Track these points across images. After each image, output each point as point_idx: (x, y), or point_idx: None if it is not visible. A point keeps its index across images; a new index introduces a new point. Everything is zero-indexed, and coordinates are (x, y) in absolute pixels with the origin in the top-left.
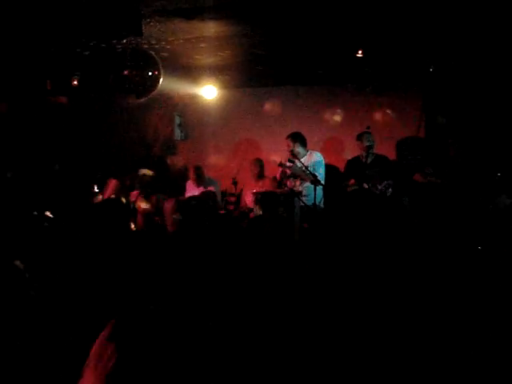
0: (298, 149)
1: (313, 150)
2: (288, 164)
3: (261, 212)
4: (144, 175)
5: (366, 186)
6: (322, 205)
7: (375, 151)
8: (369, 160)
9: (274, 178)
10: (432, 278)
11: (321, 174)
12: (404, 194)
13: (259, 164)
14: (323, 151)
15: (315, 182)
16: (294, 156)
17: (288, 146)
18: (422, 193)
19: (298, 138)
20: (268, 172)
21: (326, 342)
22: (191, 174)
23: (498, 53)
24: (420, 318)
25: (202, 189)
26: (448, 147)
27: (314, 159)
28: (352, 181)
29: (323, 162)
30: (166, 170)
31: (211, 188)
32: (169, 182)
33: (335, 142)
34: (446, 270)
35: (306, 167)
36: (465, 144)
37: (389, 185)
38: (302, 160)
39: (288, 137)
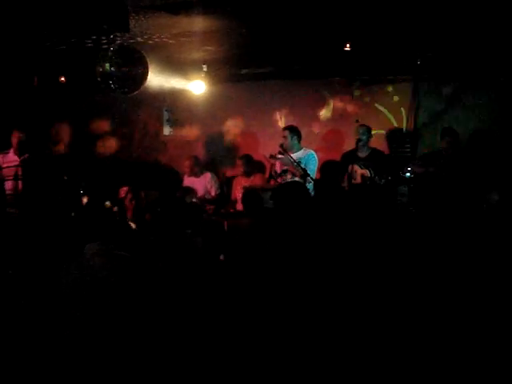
0: (294, 142)
1: (307, 147)
2: (279, 156)
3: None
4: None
5: (367, 174)
6: None
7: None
8: (363, 154)
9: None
10: (427, 270)
11: (312, 169)
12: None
13: (246, 160)
14: (314, 145)
15: (305, 176)
16: (284, 150)
17: (284, 137)
18: (418, 183)
19: (295, 132)
20: (258, 167)
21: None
22: (188, 165)
23: (491, 41)
24: (417, 314)
25: (201, 179)
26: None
27: (306, 154)
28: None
29: (316, 158)
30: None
31: (208, 175)
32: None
33: (325, 136)
34: (442, 262)
35: (298, 162)
36: (456, 136)
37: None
38: (294, 155)
39: (286, 128)
